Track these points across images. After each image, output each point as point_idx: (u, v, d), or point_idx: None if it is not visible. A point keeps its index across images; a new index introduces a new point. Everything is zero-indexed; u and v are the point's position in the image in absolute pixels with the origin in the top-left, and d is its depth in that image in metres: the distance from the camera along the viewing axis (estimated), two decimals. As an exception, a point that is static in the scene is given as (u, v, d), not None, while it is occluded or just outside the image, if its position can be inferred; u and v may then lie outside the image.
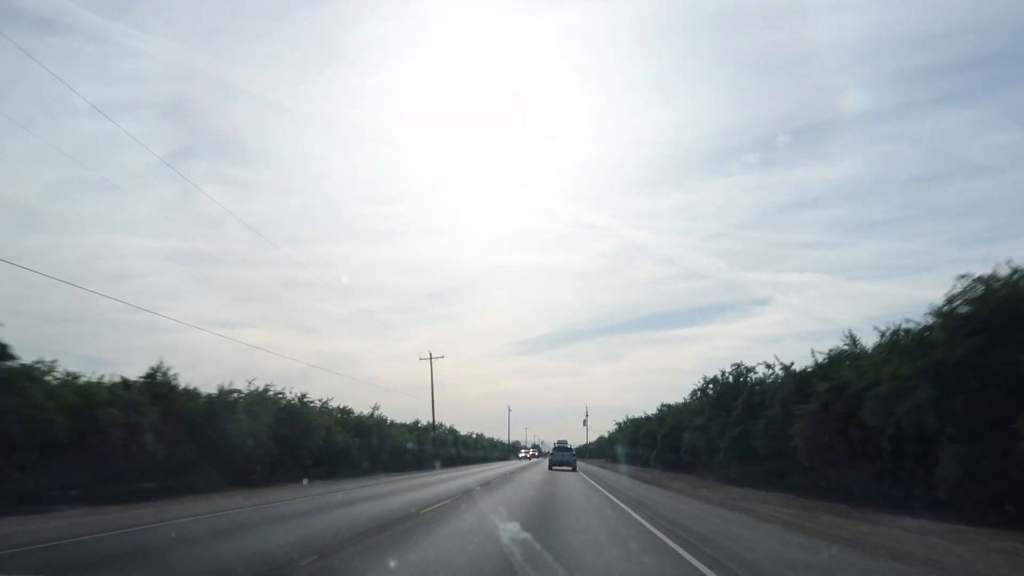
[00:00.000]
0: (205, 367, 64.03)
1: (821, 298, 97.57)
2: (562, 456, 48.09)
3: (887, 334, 17.02)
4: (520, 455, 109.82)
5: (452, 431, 70.18)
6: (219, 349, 66.97)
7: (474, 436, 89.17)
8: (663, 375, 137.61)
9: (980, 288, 12.95)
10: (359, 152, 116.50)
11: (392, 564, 8.39)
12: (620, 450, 66.91)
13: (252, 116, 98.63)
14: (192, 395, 23.10)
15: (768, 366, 26.95)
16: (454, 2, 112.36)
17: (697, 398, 34.15)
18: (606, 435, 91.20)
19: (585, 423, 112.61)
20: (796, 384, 21.47)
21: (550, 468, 46.06)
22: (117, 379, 20.45)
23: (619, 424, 74.63)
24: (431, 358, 56.80)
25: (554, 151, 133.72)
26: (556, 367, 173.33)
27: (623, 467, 50.88)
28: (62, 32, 63.34)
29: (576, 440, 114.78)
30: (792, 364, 24.10)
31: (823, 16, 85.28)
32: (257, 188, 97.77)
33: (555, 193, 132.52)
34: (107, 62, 72.74)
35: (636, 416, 63.39)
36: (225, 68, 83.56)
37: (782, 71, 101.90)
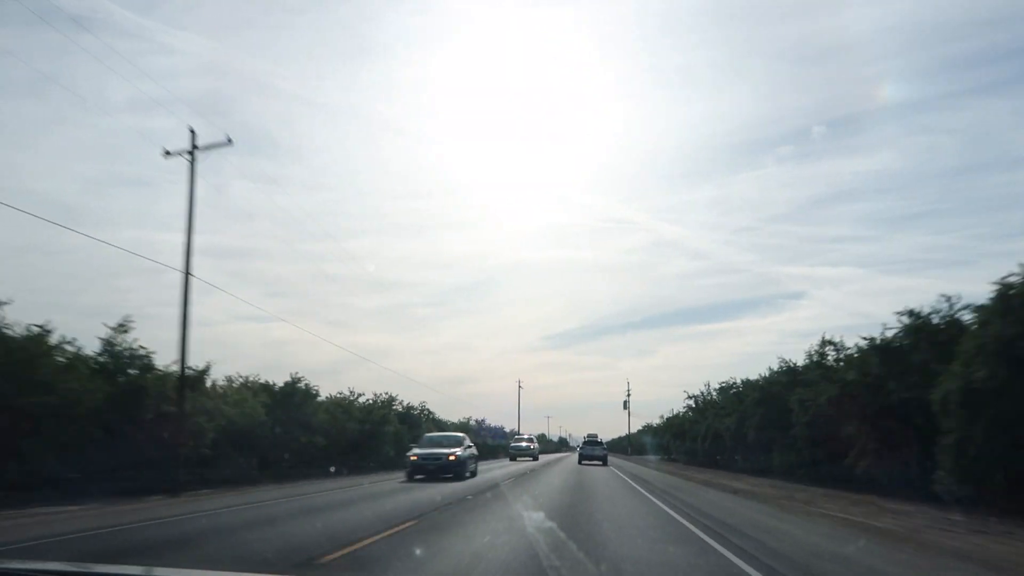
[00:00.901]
0: (238, 360, 65.18)
1: (856, 292, 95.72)
2: (592, 450, 47.33)
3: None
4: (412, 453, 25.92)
5: (422, 410, 48.16)
6: (251, 342, 67.85)
7: (472, 422, 62.98)
8: (694, 371, 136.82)
9: None
10: (389, 146, 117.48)
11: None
12: (656, 445, 60.57)
13: (282, 111, 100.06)
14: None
15: None
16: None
17: None
18: (658, 422, 71.48)
19: (626, 405, 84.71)
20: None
21: (580, 463, 45.79)
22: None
23: (694, 399, 47.31)
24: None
25: (584, 145, 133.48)
26: (586, 362, 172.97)
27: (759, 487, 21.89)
28: (97, 29, 64.99)
29: (615, 431, 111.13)
30: None
31: (857, 5, 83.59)
32: (288, 183, 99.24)
33: (585, 188, 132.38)
34: (141, 58, 74.37)
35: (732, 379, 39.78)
36: (255, 63, 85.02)
37: (816, 62, 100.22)
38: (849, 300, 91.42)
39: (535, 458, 51.39)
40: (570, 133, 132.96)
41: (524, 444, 53.82)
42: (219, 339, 66.01)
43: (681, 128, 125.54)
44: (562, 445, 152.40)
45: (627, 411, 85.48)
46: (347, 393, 35.50)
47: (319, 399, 30.72)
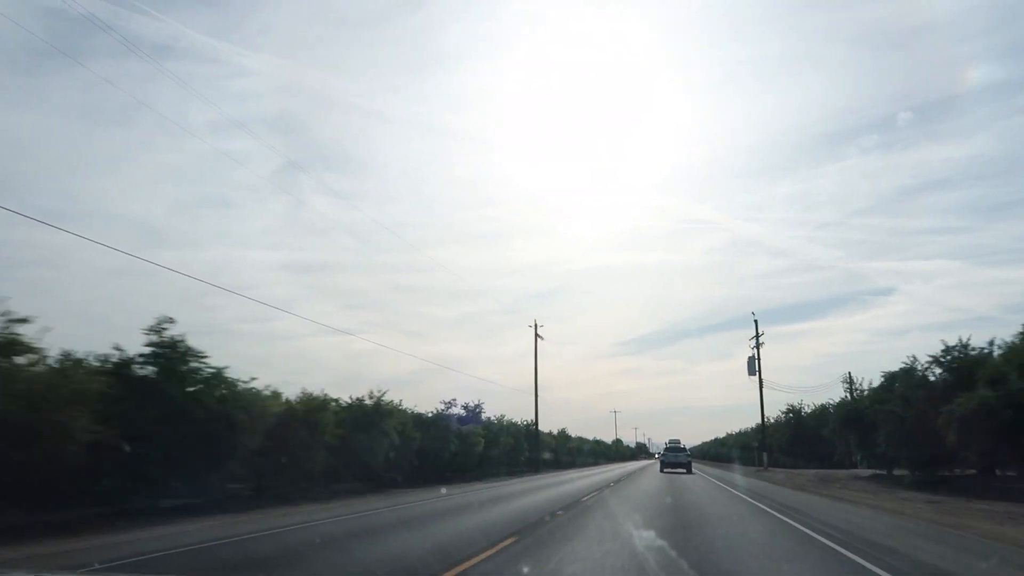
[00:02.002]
0: (318, 372, 66.21)
1: (951, 286, 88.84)
2: (675, 457, 45.24)
3: None
4: None
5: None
6: (330, 355, 69.43)
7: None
8: (777, 372, 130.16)
9: None
10: (459, 156, 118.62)
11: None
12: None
13: (355, 126, 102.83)
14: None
15: None
16: (547, 1, 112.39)
17: None
18: (754, 426, 54.73)
19: (753, 365, 52.56)
20: None
21: (662, 470, 43.96)
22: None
23: None
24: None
25: (656, 146, 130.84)
26: (664, 367, 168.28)
27: None
28: (179, 56, 68.75)
29: (696, 437, 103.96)
30: None
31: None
32: (362, 196, 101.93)
33: (659, 189, 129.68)
34: (220, 82, 78.18)
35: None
36: (328, 80, 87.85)
37: (899, 45, 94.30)
38: (943, 294, 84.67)
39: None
40: (641, 134, 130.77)
41: None
42: (303, 352, 67.87)
43: (755, 123, 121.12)
44: (639, 451, 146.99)
45: (757, 376, 52.12)
46: None
47: None
